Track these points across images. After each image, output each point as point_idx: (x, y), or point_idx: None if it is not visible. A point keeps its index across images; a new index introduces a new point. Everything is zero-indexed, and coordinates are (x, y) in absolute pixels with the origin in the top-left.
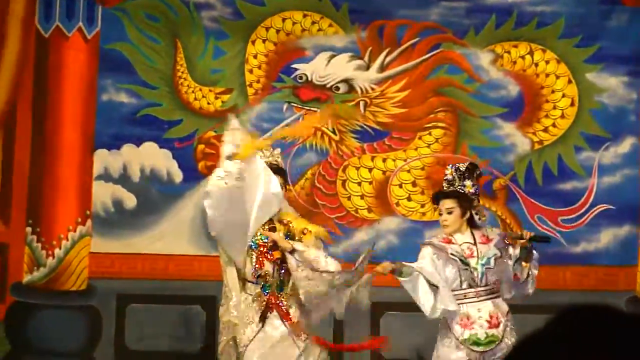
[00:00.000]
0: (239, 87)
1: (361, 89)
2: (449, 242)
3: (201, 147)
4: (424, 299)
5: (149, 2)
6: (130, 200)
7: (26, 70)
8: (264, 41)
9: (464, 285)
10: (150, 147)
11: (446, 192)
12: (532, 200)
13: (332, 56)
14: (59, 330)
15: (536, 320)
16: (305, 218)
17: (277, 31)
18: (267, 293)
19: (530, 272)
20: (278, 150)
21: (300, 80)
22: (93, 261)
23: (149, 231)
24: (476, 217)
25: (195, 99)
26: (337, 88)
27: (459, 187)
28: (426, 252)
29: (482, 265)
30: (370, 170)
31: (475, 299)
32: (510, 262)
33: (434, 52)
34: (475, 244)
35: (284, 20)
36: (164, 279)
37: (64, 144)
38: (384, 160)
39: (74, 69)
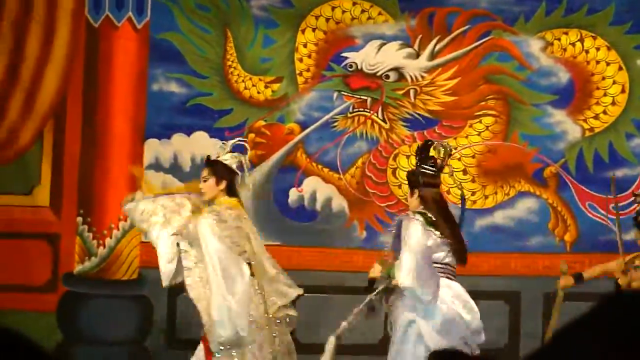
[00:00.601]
0: (288, 76)
1: (411, 77)
2: None
3: (251, 136)
4: None
5: None
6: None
7: (76, 60)
8: (313, 30)
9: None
10: (200, 136)
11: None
12: (583, 188)
13: (382, 44)
14: (110, 320)
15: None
16: (357, 206)
17: (327, 20)
18: None
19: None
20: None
21: (350, 69)
22: (144, 250)
23: None
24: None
25: (245, 88)
26: (387, 76)
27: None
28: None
29: None
30: None
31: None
32: None
33: (484, 40)
34: None
35: (333, 8)
36: None
37: (114, 134)
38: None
39: (124, 59)
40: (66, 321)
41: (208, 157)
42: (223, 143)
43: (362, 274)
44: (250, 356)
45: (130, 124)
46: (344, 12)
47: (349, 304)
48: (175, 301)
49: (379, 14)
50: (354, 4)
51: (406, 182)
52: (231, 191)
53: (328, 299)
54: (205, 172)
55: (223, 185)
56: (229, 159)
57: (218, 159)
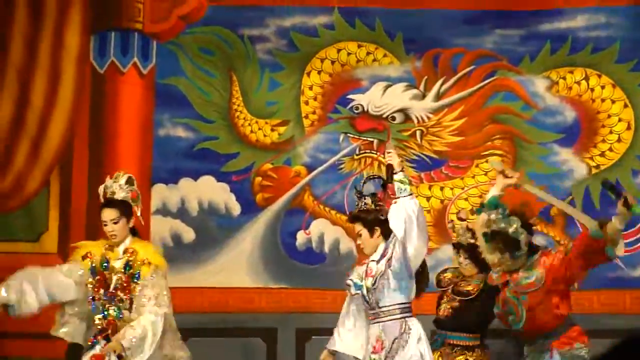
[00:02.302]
0: (295, 119)
1: (417, 118)
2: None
3: (258, 179)
4: None
5: (203, 36)
6: (188, 235)
7: (82, 106)
8: (319, 72)
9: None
10: (207, 180)
11: (353, 216)
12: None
13: (388, 86)
14: None
15: (596, 345)
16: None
17: (332, 62)
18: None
19: None
20: (118, 178)
21: (356, 111)
22: None
23: (208, 265)
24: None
25: (252, 131)
26: (393, 118)
27: (363, 207)
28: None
29: (372, 284)
30: (428, 199)
31: (370, 321)
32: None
33: (489, 80)
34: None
35: (338, 51)
36: (223, 312)
37: None
38: (442, 188)
39: (130, 104)
40: None
41: (112, 197)
42: (115, 177)
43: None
44: None
45: (137, 169)
46: (349, 54)
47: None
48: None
49: (384, 55)
50: (359, 46)
51: None
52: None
53: None
54: (114, 214)
55: (131, 223)
56: (127, 194)
57: (121, 198)
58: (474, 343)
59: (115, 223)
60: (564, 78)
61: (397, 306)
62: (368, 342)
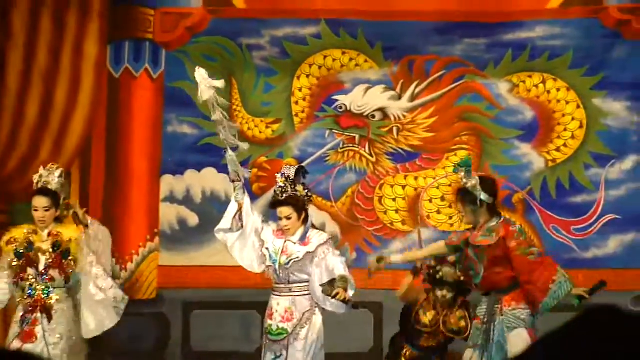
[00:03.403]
0: (286, 117)
1: (394, 116)
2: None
3: (254, 171)
4: None
5: (207, 45)
6: (193, 219)
7: (99, 107)
8: (307, 76)
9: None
10: (210, 172)
11: (282, 200)
12: (547, 212)
13: (368, 88)
14: (132, 335)
15: (553, 317)
16: (348, 230)
17: (319, 67)
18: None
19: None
20: (51, 169)
21: (340, 110)
22: (161, 273)
23: (210, 246)
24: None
25: (249, 128)
26: (373, 116)
27: (292, 193)
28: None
29: (285, 264)
30: (403, 187)
31: (277, 294)
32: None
33: (458, 83)
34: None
35: (325, 57)
36: (224, 287)
37: (133, 171)
38: (416, 178)
39: (141, 105)
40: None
41: (46, 186)
42: (49, 168)
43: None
44: None
45: (148, 162)
46: (334, 60)
47: (343, 317)
48: (190, 318)
49: (365, 61)
50: (343, 53)
51: (390, 209)
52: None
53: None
54: (46, 202)
55: (57, 213)
56: (59, 186)
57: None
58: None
59: (46, 210)
60: (524, 82)
61: (306, 284)
62: (271, 310)
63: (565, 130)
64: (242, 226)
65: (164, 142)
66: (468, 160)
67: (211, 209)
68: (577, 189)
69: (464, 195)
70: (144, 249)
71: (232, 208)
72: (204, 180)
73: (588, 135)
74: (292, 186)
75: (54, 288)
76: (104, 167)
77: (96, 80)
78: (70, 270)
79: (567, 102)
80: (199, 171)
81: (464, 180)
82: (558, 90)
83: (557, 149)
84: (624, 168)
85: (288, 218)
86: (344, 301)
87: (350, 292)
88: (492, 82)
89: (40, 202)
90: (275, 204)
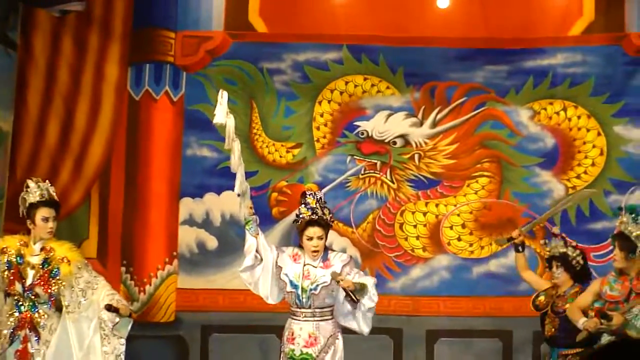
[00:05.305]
0: (307, 142)
1: (415, 143)
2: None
3: (274, 195)
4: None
5: (227, 68)
6: (212, 242)
7: (119, 129)
8: (329, 101)
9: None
10: (229, 195)
11: (315, 220)
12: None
13: (390, 114)
14: (151, 358)
15: None
16: (368, 256)
17: (341, 93)
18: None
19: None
20: (47, 183)
21: (361, 136)
22: (179, 296)
23: (229, 269)
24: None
25: (269, 152)
26: (395, 142)
27: (322, 214)
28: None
29: (310, 289)
30: (424, 214)
31: (299, 318)
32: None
33: (479, 110)
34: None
35: (346, 83)
36: (242, 310)
37: (153, 194)
38: (437, 205)
39: (161, 127)
40: None
41: (52, 198)
42: (37, 181)
43: (374, 317)
44: None
45: (167, 184)
46: (355, 86)
47: (364, 343)
48: (208, 340)
49: (387, 87)
50: (365, 79)
51: (411, 235)
52: None
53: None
54: (54, 213)
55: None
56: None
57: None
58: (581, 349)
59: (54, 221)
60: (545, 109)
61: (329, 309)
62: (292, 335)
63: (585, 157)
64: (261, 259)
65: (183, 164)
66: (637, 207)
67: (230, 232)
68: (597, 215)
69: (622, 241)
70: (162, 272)
71: (250, 244)
72: (224, 204)
73: (608, 162)
74: (322, 208)
75: (40, 304)
76: (124, 189)
77: (116, 102)
78: (56, 288)
79: (588, 130)
80: (219, 194)
81: (629, 228)
82: (579, 117)
83: (578, 176)
84: None
85: (320, 238)
86: (347, 291)
87: (368, 303)
88: (513, 109)
89: (50, 212)
90: (307, 224)
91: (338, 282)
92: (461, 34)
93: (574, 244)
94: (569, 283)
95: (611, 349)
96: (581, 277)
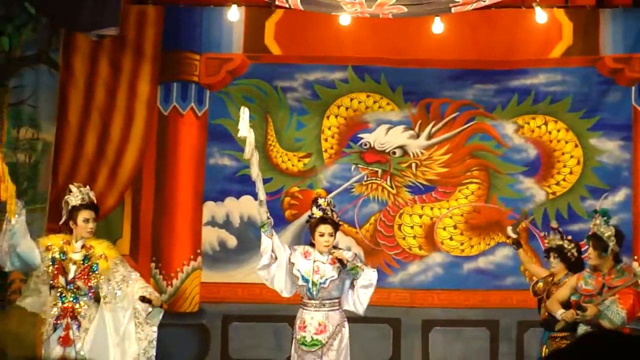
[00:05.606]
0: (316, 152)
1: (413, 153)
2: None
3: (287, 199)
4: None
5: (246, 86)
6: (232, 241)
7: (150, 141)
8: (336, 116)
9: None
10: (247, 199)
11: (327, 218)
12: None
13: (390, 128)
14: (176, 344)
15: None
16: (370, 254)
17: (347, 108)
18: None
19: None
20: (87, 188)
21: (364, 147)
22: (203, 289)
23: (247, 265)
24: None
25: (282, 161)
26: (394, 153)
27: (332, 215)
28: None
29: (320, 283)
30: (420, 216)
31: (310, 309)
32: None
33: (469, 124)
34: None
35: (351, 100)
36: (259, 302)
37: (179, 198)
38: (431, 208)
39: (187, 139)
40: None
41: (93, 201)
42: (78, 186)
43: (375, 307)
44: None
45: (192, 190)
46: (359, 102)
47: (366, 331)
48: (228, 328)
49: (387, 104)
50: (368, 96)
51: (408, 235)
52: None
53: (350, 327)
54: (94, 215)
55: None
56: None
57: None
58: (568, 333)
59: (94, 222)
60: (528, 123)
61: (337, 300)
62: (304, 323)
63: (564, 166)
64: (276, 258)
65: (206, 172)
66: (609, 211)
67: (248, 232)
68: (574, 218)
69: (595, 241)
70: (187, 267)
71: (266, 245)
72: (242, 207)
73: (584, 171)
74: (331, 211)
75: (80, 296)
76: (153, 193)
77: (147, 117)
78: (95, 282)
79: (567, 142)
80: (238, 199)
81: (601, 229)
82: (558, 131)
83: (557, 183)
84: (616, 200)
85: (330, 235)
86: (339, 260)
87: (362, 281)
88: (500, 123)
89: (90, 214)
90: (320, 221)
91: (332, 254)
92: (454, 56)
93: (569, 238)
94: (564, 272)
95: (586, 340)
96: (576, 267)
